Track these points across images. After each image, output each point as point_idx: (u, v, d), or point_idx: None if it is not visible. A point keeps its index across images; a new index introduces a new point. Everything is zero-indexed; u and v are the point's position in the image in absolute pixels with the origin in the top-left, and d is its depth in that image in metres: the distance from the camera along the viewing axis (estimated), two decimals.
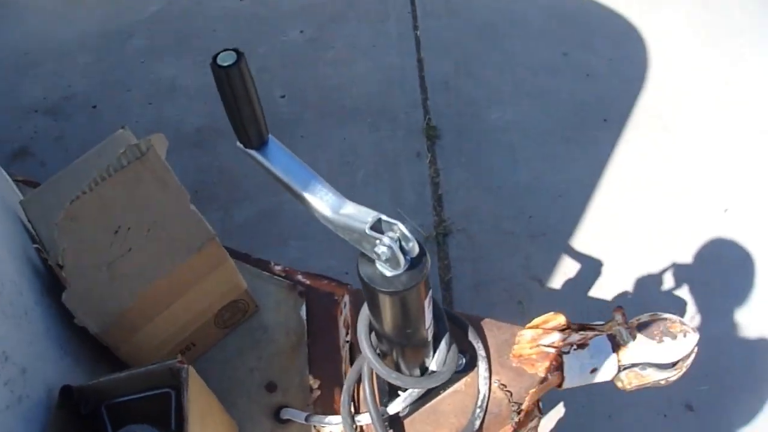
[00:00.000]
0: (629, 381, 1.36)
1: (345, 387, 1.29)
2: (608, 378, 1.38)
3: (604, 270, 2.79)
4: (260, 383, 1.50)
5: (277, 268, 1.69)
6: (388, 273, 0.91)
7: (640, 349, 1.34)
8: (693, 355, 1.38)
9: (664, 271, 2.79)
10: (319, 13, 3.89)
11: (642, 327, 1.36)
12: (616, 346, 1.34)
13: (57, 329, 1.31)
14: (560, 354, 1.32)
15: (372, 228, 0.88)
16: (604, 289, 2.73)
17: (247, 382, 1.50)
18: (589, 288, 2.76)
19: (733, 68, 3.55)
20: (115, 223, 1.24)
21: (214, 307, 1.48)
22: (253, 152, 0.93)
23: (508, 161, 3.17)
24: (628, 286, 2.74)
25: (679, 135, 3.25)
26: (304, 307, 1.61)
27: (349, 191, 1.03)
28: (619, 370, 1.36)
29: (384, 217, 0.89)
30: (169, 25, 3.86)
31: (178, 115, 3.29)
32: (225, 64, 0.79)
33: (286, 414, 1.45)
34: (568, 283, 2.78)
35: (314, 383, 1.50)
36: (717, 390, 2.47)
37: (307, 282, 1.66)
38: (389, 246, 0.87)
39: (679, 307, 2.68)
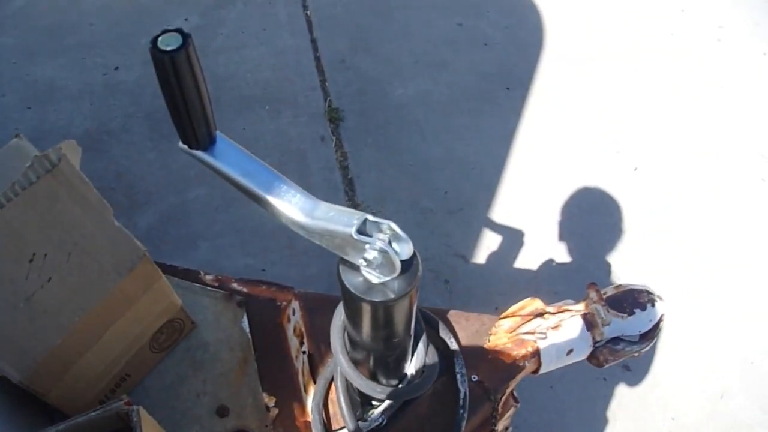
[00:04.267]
0: (604, 358, 1.30)
1: (313, 403, 1.16)
2: (583, 357, 1.32)
3: (527, 240, 2.76)
4: (210, 408, 1.34)
5: (209, 277, 1.53)
6: (376, 280, 0.79)
7: (612, 324, 1.28)
8: (662, 323, 1.34)
9: (584, 234, 2.79)
10: None
11: (611, 301, 1.31)
12: (588, 324, 1.28)
13: None
14: (536, 339, 1.24)
15: (359, 231, 0.75)
16: (529, 259, 2.71)
17: (195, 410, 1.34)
18: (514, 260, 2.72)
19: (634, 26, 3.61)
20: (28, 251, 1.05)
21: (149, 331, 1.31)
22: (200, 153, 0.79)
23: (416, 138, 3.09)
24: (553, 253, 2.73)
25: (582, 97, 3.26)
26: (245, 319, 1.45)
27: None
28: (594, 348, 1.30)
29: (370, 217, 0.77)
30: (39, 21, 3.52)
31: (63, 119, 3.00)
32: (169, 48, 0.64)
33: None
34: (493, 257, 2.74)
35: (270, 401, 1.36)
36: (651, 349, 2.50)
37: (245, 290, 1.50)
38: (383, 250, 0.75)
39: (605, 270, 2.69)
